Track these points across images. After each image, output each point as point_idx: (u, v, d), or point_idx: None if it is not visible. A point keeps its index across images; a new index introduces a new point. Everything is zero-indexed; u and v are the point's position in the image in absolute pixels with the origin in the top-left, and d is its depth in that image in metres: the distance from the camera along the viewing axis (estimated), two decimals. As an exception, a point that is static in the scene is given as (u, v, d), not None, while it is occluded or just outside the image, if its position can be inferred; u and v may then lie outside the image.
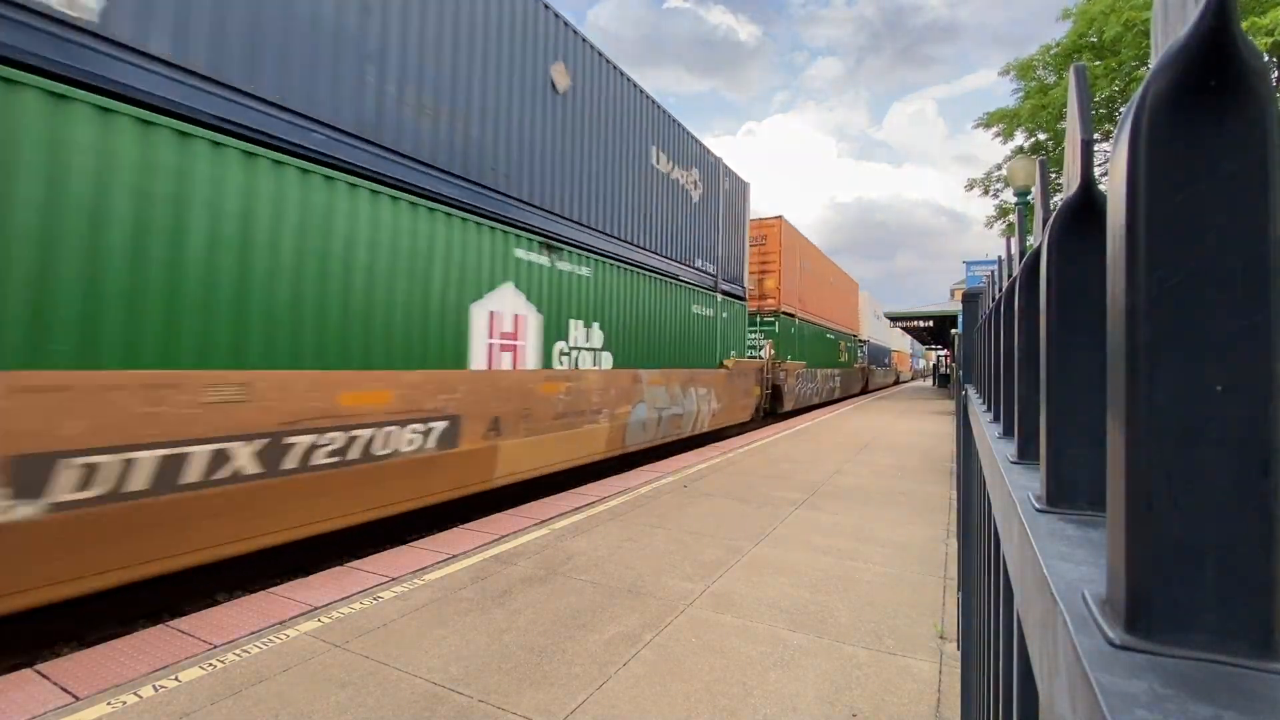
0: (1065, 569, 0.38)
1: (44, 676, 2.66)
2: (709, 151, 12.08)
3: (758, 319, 16.27)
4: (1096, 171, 0.46)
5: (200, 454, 3.73)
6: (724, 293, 12.84)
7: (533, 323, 6.93)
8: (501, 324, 6.43)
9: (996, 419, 1.20)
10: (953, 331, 19.59)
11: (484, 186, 6.27)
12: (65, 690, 2.54)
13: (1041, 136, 15.48)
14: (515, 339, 6.65)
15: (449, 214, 5.78)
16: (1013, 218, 14.66)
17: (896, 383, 33.76)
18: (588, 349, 7.98)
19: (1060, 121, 14.15)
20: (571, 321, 7.66)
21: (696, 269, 11.53)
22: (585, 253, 7.90)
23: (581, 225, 7.87)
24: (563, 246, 7.43)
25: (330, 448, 4.49)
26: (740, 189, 13.92)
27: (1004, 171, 16.22)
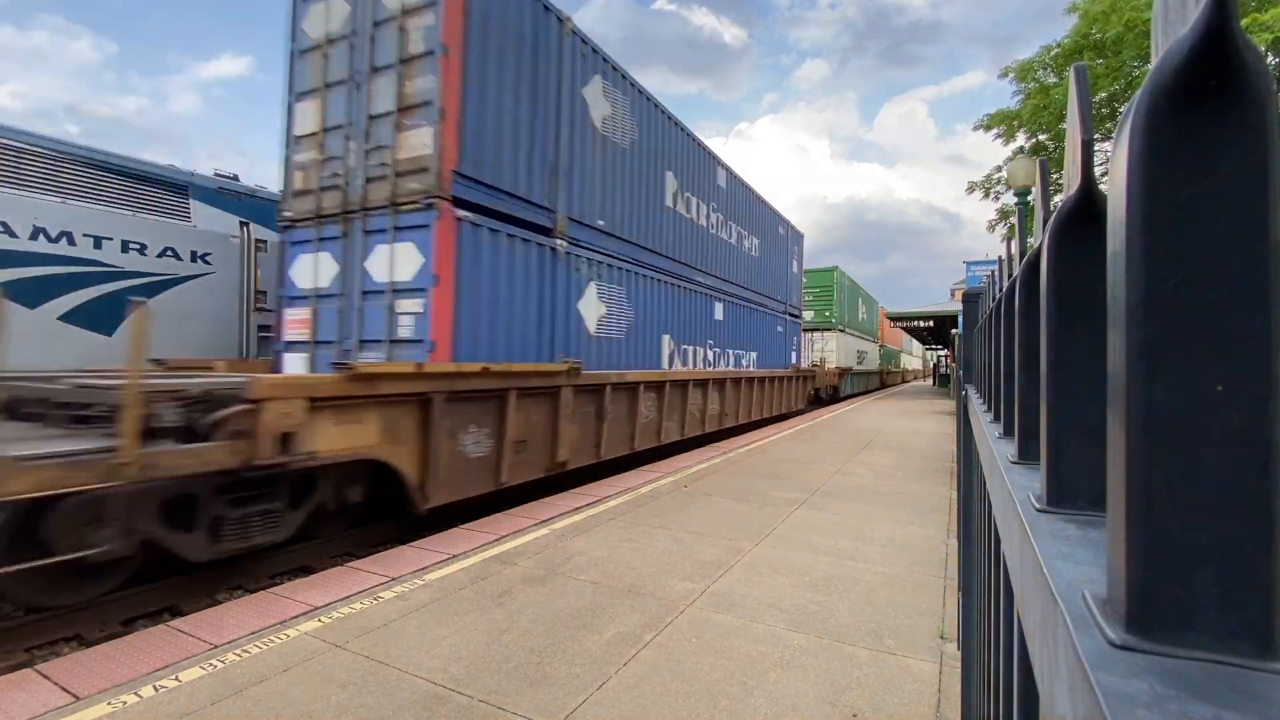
0: (1065, 569, 0.38)
1: (44, 676, 2.66)
2: None
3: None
4: (1096, 171, 0.46)
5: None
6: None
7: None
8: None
9: (996, 419, 1.20)
10: (953, 331, 19.56)
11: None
12: (65, 690, 2.54)
13: (1042, 137, 15.47)
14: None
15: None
16: (1014, 220, 14.66)
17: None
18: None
19: (1061, 122, 14.15)
20: None
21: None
22: None
23: None
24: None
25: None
26: None
27: (1004, 173, 16.19)
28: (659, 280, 9.85)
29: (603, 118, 8.34)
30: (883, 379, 38.22)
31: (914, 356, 68.60)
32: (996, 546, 0.87)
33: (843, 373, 24.02)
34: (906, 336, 50.92)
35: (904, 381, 52.93)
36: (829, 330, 23.67)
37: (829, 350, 23.38)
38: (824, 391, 21.75)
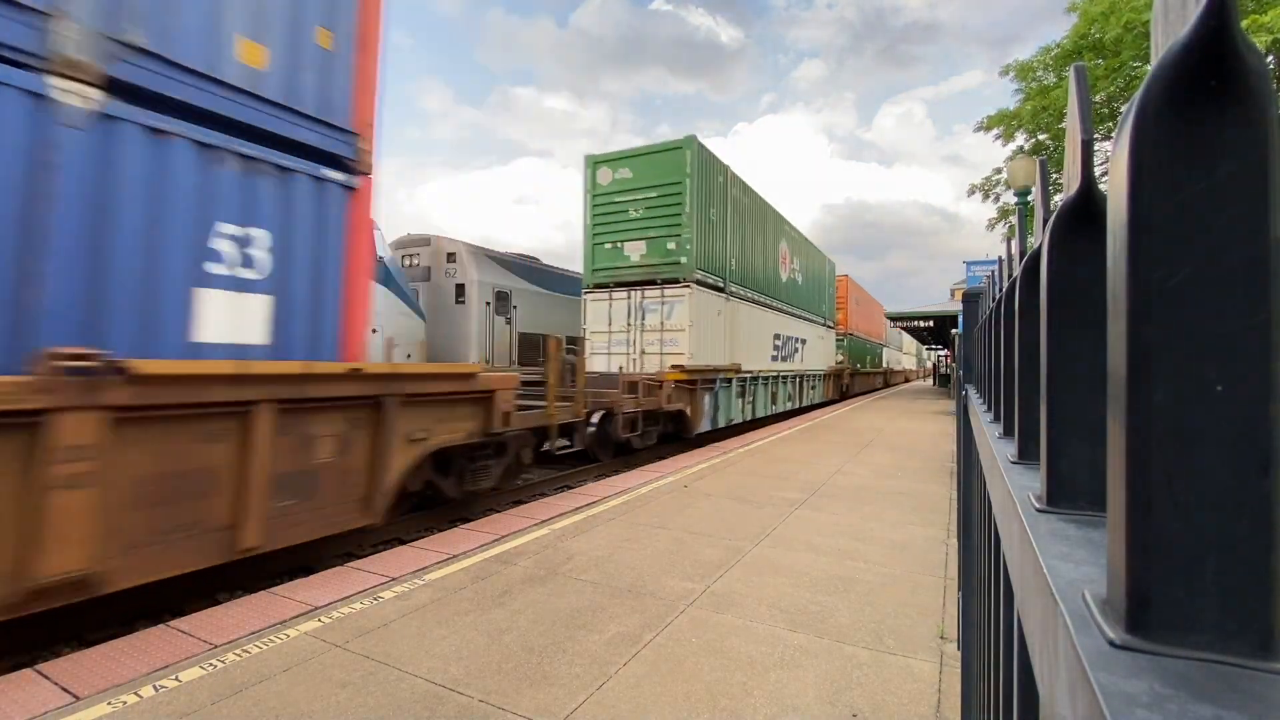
0: (1065, 569, 0.38)
1: (44, 676, 2.66)
2: None
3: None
4: (1096, 171, 0.46)
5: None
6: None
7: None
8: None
9: (996, 419, 1.20)
10: (953, 331, 19.57)
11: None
12: (65, 690, 2.54)
13: (1042, 137, 15.49)
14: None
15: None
16: (1014, 219, 14.67)
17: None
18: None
19: (1061, 122, 14.16)
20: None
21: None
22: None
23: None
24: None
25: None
26: None
27: (1004, 174, 16.21)
28: None
29: None
30: (842, 385, 24.32)
31: (906, 354, 60.94)
32: (996, 546, 0.87)
33: (696, 382, 10.80)
34: (897, 330, 43.18)
35: (887, 385, 40.08)
36: (675, 284, 10.83)
37: (672, 327, 10.74)
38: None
